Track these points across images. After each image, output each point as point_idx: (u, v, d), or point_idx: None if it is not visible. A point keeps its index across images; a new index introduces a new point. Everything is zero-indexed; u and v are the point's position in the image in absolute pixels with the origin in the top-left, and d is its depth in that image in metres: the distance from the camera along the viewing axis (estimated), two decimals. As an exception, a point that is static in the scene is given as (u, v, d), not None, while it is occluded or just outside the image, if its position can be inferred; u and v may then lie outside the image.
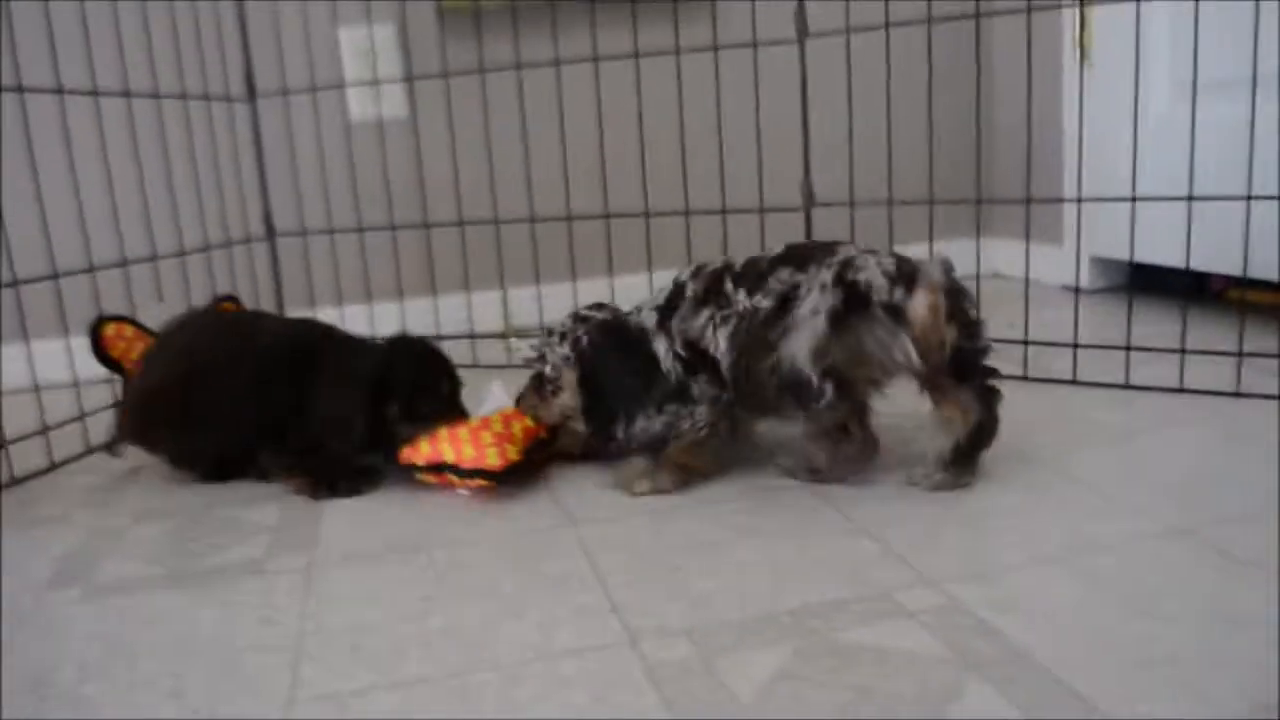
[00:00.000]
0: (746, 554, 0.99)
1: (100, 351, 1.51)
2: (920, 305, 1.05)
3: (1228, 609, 0.82)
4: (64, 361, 1.52)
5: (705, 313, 1.15)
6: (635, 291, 1.49)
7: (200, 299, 1.73)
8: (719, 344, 1.13)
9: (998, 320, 1.69)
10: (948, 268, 1.08)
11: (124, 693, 0.83)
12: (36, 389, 1.47)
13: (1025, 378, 1.52)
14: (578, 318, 1.27)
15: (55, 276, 1.48)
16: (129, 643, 0.91)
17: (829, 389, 1.05)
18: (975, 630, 0.82)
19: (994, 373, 1.14)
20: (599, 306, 1.29)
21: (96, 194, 1.64)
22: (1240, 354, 1.40)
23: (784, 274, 1.11)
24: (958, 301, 1.08)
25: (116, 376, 1.54)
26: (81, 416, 1.53)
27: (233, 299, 1.73)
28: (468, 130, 1.98)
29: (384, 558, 1.05)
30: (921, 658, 0.78)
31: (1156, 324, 1.76)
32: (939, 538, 1.00)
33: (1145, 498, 1.06)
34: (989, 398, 1.12)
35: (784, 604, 0.88)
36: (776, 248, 1.17)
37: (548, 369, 1.25)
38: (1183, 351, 1.43)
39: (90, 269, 1.53)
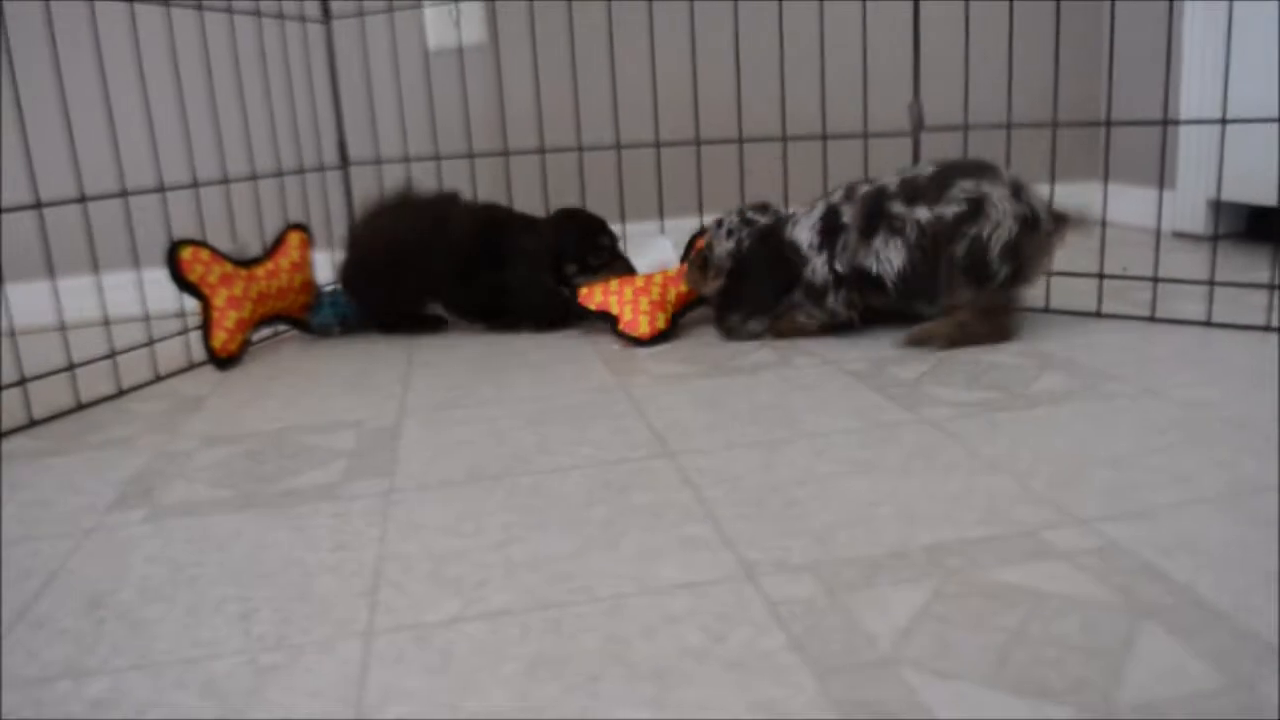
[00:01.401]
0: (868, 489, 0.89)
1: (178, 275, 1.46)
2: (1063, 239, 1.33)
3: None
4: (134, 295, 1.47)
5: (879, 238, 1.33)
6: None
7: (272, 226, 1.67)
8: (892, 261, 1.33)
9: (1108, 263, 1.57)
10: (1088, 215, 1.35)
11: (188, 616, 0.75)
12: (106, 320, 1.42)
13: (1152, 318, 1.39)
14: (745, 219, 1.45)
15: (124, 194, 1.42)
16: (195, 565, 0.84)
17: (1006, 269, 1.29)
18: (1141, 573, 0.71)
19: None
20: (763, 209, 1.47)
21: (167, 113, 1.58)
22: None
23: (966, 184, 1.30)
24: None
25: (195, 300, 1.49)
26: (150, 343, 1.48)
27: (301, 228, 1.66)
28: (551, 56, 1.88)
29: (464, 485, 0.97)
30: (1083, 600, 0.68)
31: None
32: (1082, 476, 0.89)
33: (1313, 439, 0.94)
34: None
35: (917, 541, 0.78)
36: (926, 167, 1.35)
37: (714, 256, 1.45)
38: (1335, 289, 1.29)
39: (160, 189, 1.47)
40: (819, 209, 1.41)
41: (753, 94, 1.72)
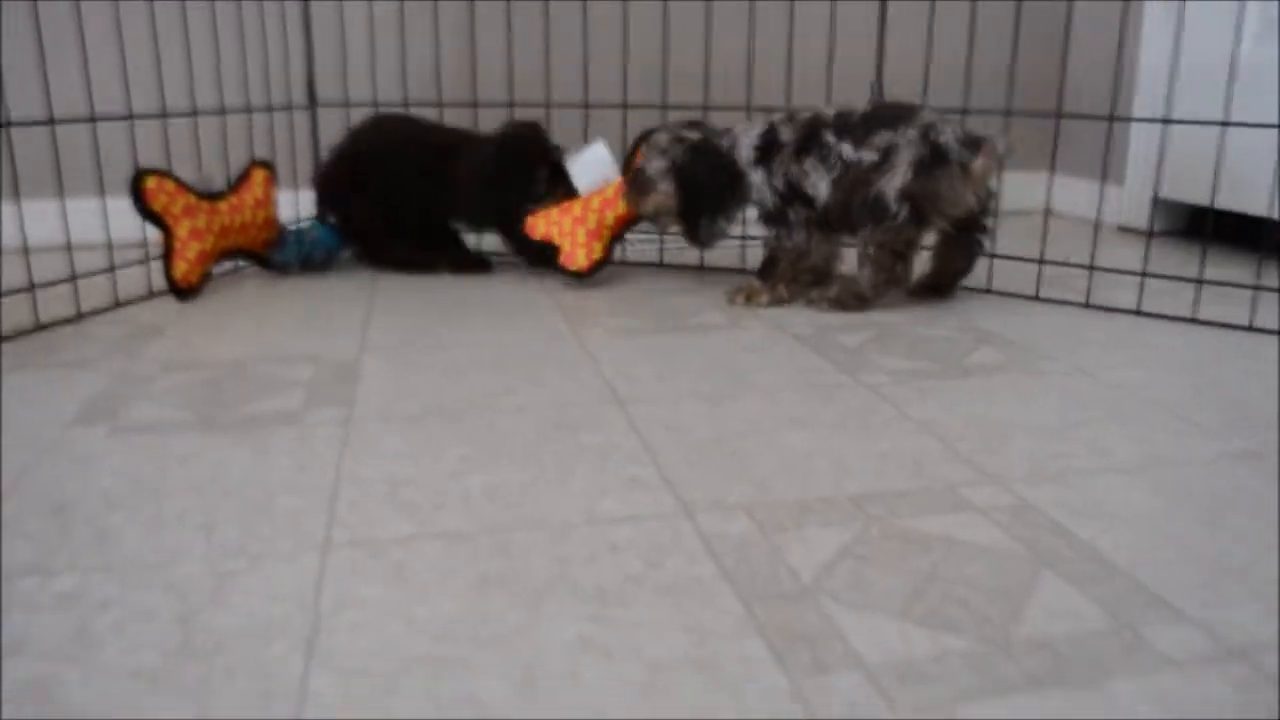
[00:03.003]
0: (805, 442, 0.94)
1: (142, 203, 1.47)
2: (980, 167, 1.37)
3: (1318, 529, 0.78)
4: (98, 221, 1.48)
5: (809, 160, 1.43)
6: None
7: (237, 162, 1.69)
8: (819, 186, 1.42)
9: (1053, 252, 1.64)
10: (1005, 144, 1.38)
11: (151, 525, 0.79)
12: (69, 244, 1.43)
13: (1087, 304, 1.46)
14: (676, 137, 1.52)
15: (93, 120, 1.43)
16: (157, 479, 0.87)
17: (904, 210, 1.37)
18: (1049, 529, 0.77)
19: (984, 228, 1.46)
20: (693, 125, 1.54)
21: (140, 42, 1.59)
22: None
23: (884, 134, 1.38)
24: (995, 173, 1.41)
25: (157, 230, 1.49)
26: (112, 269, 1.49)
27: (266, 165, 1.67)
28: (526, 11, 1.91)
29: (422, 419, 1.01)
30: (993, 550, 0.74)
31: (1220, 266, 1.70)
32: (1006, 442, 0.95)
33: (1219, 421, 1.00)
34: (973, 247, 1.47)
35: (846, 490, 0.84)
36: (862, 106, 1.43)
37: (648, 173, 1.52)
38: (1257, 288, 1.36)
39: (129, 116, 1.48)
40: (759, 126, 1.48)
41: (721, 64, 1.76)
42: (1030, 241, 1.75)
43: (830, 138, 1.41)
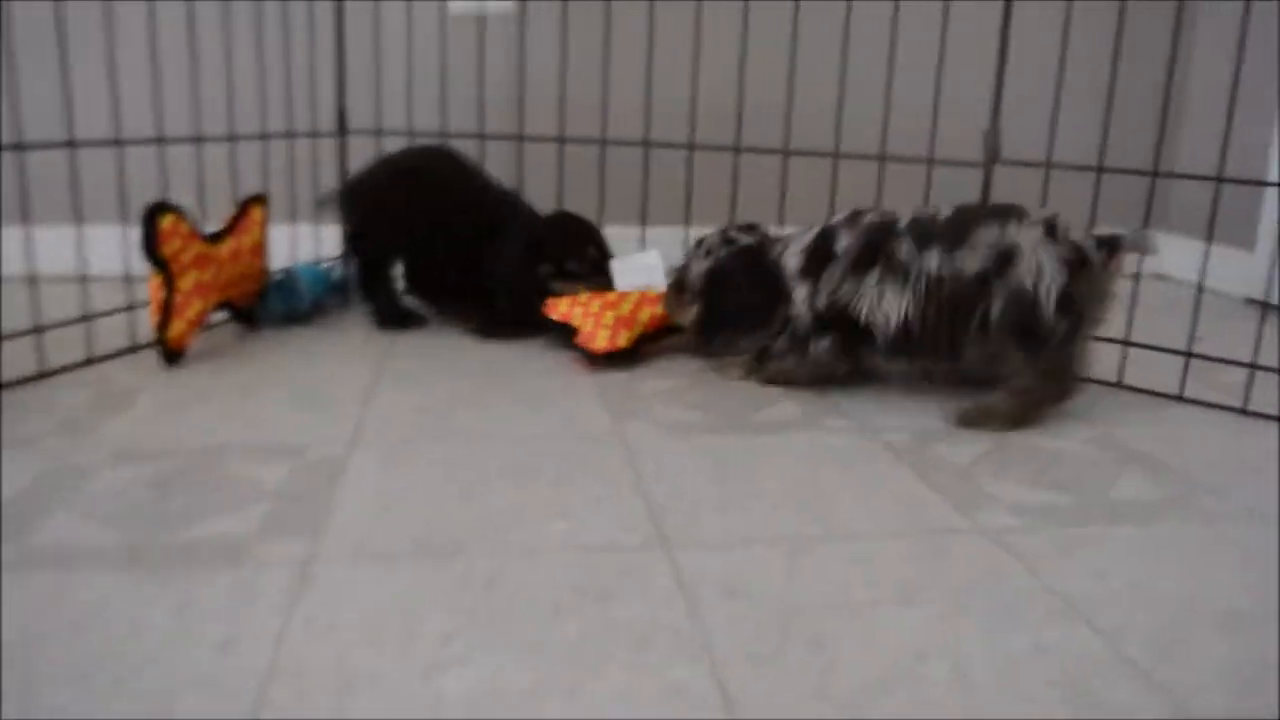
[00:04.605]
0: (913, 630, 0.69)
1: (153, 246, 1.24)
2: (1117, 269, 1.14)
3: None
4: (72, 254, 1.28)
5: (871, 276, 1.15)
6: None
7: (252, 190, 1.47)
8: (885, 311, 1.14)
9: (1175, 330, 1.37)
10: (1144, 241, 1.15)
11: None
12: (33, 277, 1.23)
13: (1244, 410, 1.19)
14: (725, 238, 1.30)
15: (71, 145, 1.22)
16: (41, 650, 0.65)
17: (1064, 324, 1.09)
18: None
19: None
20: (749, 228, 1.31)
21: (132, 60, 1.39)
22: None
23: (989, 232, 1.11)
24: None
25: (158, 276, 1.26)
26: (86, 318, 1.28)
27: (263, 200, 1.44)
28: (582, 35, 1.68)
29: (407, 560, 0.78)
30: None
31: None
32: (1191, 639, 0.69)
33: None
34: None
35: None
36: (941, 208, 1.16)
37: (689, 277, 1.31)
38: None
39: (117, 142, 1.28)
40: (813, 231, 1.23)
41: (807, 104, 1.52)
42: (1161, 320, 1.48)
43: (905, 249, 1.14)
